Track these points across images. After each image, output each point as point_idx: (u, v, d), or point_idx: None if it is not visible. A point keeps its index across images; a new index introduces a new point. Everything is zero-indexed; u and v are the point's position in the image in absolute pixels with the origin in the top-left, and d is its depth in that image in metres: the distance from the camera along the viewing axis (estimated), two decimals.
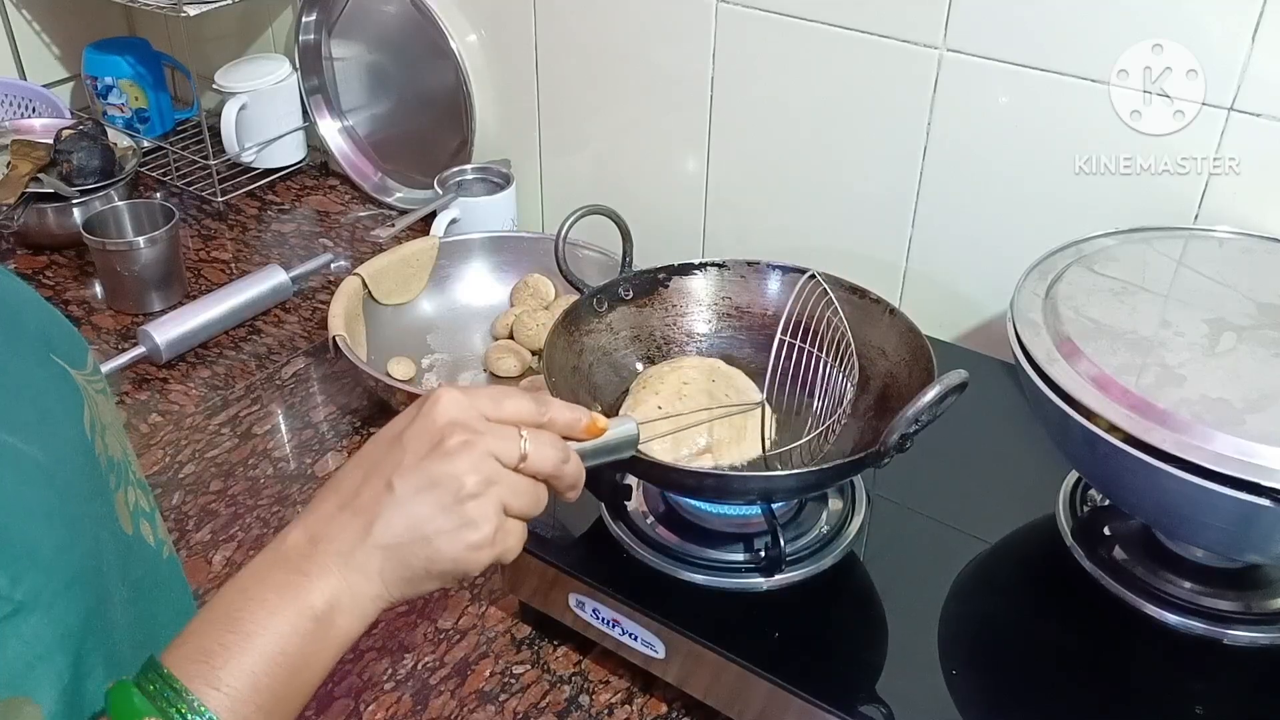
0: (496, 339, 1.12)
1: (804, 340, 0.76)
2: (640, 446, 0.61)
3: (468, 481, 0.50)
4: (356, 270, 1.10)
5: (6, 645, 0.41)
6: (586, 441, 0.57)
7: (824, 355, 0.77)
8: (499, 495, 0.51)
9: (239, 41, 1.47)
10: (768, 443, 0.74)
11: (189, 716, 0.43)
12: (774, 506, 0.74)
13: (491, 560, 0.51)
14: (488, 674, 0.79)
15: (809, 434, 0.74)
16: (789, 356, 0.74)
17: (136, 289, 1.18)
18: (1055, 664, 0.69)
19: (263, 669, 0.45)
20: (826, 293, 0.77)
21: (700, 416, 0.76)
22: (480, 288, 1.17)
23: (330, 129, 1.41)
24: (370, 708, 0.76)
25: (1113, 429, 0.62)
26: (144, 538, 0.54)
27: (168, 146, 1.43)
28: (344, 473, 0.52)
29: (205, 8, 1.25)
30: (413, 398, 0.54)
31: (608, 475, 0.80)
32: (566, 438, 0.55)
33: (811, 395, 0.78)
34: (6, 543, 0.42)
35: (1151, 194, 0.87)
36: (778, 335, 0.72)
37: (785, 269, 0.88)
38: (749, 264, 0.89)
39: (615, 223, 0.87)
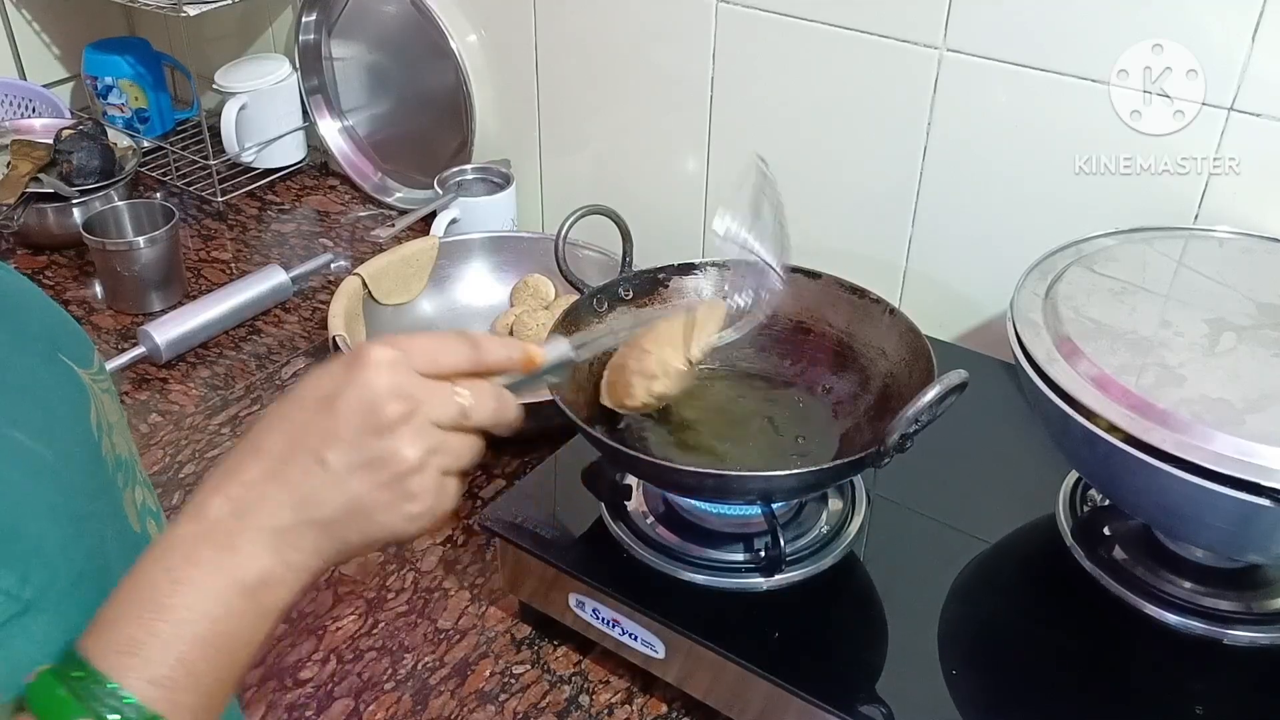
0: None
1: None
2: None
3: (409, 455, 0.47)
4: (356, 270, 1.10)
5: (14, 644, 0.41)
6: (522, 376, 0.54)
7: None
8: (439, 463, 0.48)
9: (239, 41, 1.47)
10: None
11: (128, 716, 0.41)
12: (774, 506, 0.74)
13: (428, 523, 0.49)
14: (488, 674, 0.79)
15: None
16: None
17: (136, 289, 1.18)
18: (1055, 664, 0.69)
19: (199, 655, 0.43)
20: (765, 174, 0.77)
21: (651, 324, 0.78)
22: (480, 288, 1.17)
23: (330, 129, 1.41)
24: (370, 708, 0.76)
25: (1113, 429, 0.62)
26: (150, 537, 0.54)
27: (168, 146, 1.43)
28: (264, 432, 0.47)
29: (205, 8, 1.25)
30: None
31: (608, 475, 0.80)
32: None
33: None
34: (15, 540, 0.42)
35: (1151, 194, 0.87)
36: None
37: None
38: (749, 264, 0.88)
39: (615, 223, 0.87)
